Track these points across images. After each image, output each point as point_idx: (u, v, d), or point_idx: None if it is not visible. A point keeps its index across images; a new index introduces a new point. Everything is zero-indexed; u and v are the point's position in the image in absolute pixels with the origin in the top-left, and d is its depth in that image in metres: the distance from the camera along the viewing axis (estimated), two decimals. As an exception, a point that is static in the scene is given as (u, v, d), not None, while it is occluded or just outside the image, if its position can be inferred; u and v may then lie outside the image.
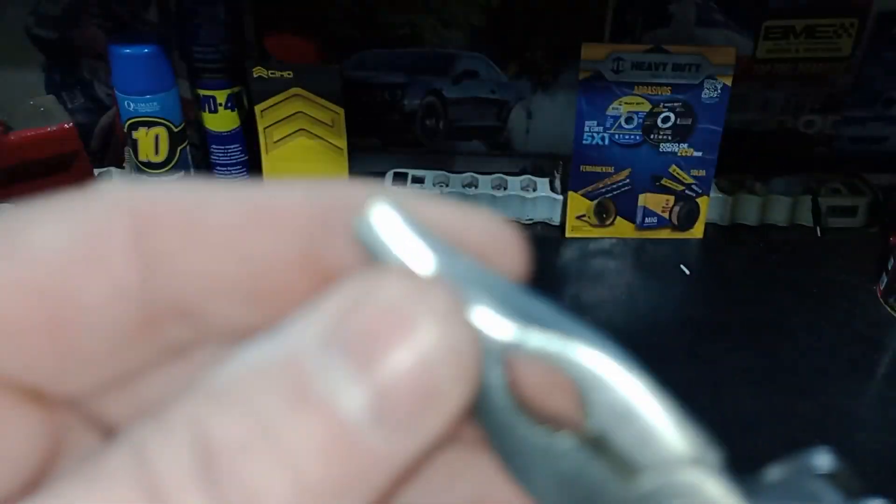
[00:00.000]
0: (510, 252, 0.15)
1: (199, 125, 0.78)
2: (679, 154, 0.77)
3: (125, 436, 0.12)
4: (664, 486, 0.14)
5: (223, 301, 0.14)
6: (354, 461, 0.12)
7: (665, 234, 0.80)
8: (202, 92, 0.76)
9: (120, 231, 0.13)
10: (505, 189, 0.82)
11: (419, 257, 0.13)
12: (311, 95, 0.75)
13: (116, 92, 0.73)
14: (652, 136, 0.76)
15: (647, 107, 0.75)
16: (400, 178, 0.82)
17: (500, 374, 0.14)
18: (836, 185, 0.83)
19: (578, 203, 0.79)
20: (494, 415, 0.14)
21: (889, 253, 0.71)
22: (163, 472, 0.11)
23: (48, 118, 0.81)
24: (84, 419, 0.15)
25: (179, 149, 0.76)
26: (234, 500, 0.11)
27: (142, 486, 0.11)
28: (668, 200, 0.79)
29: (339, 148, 0.79)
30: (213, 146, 0.79)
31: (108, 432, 0.15)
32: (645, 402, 0.13)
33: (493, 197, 0.80)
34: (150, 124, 0.73)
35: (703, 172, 0.78)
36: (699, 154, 0.77)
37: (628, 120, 0.76)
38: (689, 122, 0.76)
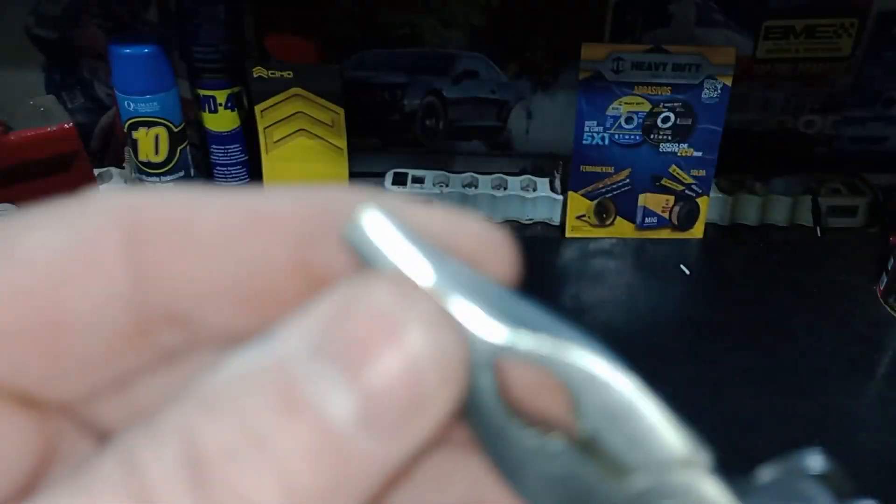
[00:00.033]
0: (500, 256, 0.15)
1: (199, 125, 0.78)
2: (679, 154, 0.77)
3: (115, 443, 0.12)
4: (656, 487, 0.14)
5: (215, 307, 0.14)
6: (343, 467, 0.12)
7: (665, 234, 0.80)
8: (202, 92, 0.76)
9: (112, 237, 0.13)
10: (505, 189, 0.82)
11: (409, 262, 0.13)
12: (311, 95, 0.75)
13: (116, 92, 0.73)
14: (652, 137, 0.76)
15: (647, 107, 0.75)
16: (400, 178, 0.82)
17: (490, 377, 0.14)
18: (836, 185, 0.83)
19: (578, 203, 0.79)
20: (485, 418, 0.14)
21: (889, 253, 0.71)
22: (153, 479, 0.11)
23: (48, 118, 0.81)
24: (78, 424, 0.15)
25: (179, 149, 0.76)
26: None
27: (132, 494, 0.11)
28: (668, 200, 0.79)
29: (339, 148, 0.79)
30: (213, 146, 0.79)
31: (102, 437, 0.15)
32: (636, 403, 0.13)
33: (493, 197, 0.80)
34: (150, 124, 0.73)
35: (703, 172, 0.78)
36: (699, 154, 0.77)
37: (628, 120, 0.76)
38: (689, 122, 0.76)
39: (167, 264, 0.14)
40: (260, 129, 0.77)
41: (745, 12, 0.79)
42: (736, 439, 0.57)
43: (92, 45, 0.80)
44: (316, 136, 0.78)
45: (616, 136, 0.76)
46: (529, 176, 0.83)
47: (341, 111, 0.76)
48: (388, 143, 0.86)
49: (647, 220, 0.80)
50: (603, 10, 0.79)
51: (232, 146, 0.79)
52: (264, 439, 0.12)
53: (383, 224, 0.14)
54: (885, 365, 0.65)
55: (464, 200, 0.80)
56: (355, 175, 0.82)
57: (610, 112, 0.75)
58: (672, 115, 0.75)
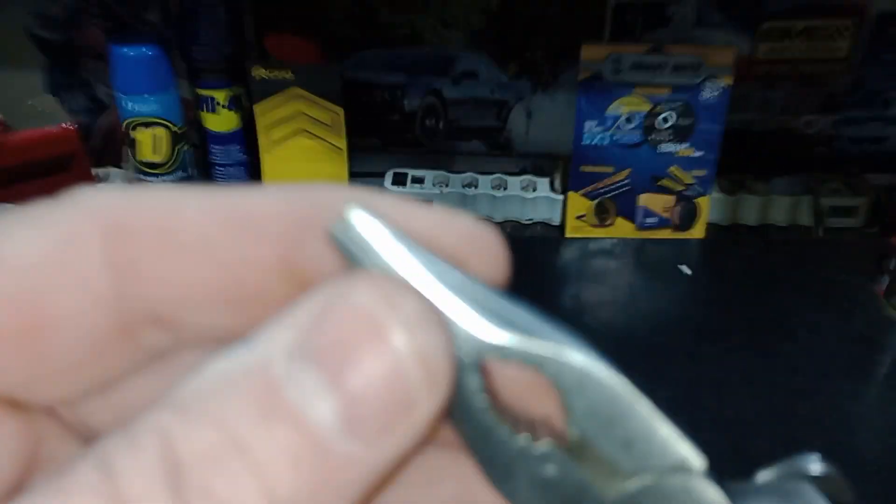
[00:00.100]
0: (490, 256, 0.15)
1: (199, 125, 0.78)
2: (679, 154, 0.77)
3: (92, 450, 0.12)
4: (650, 491, 0.13)
5: (200, 308, 0.14)
6: (326, 472, 0.12)
7: (665, 234, 0.80)
8: (202, 92, 0.76)
9: (92, 239, 0.13)
10: (505, 189, 0.82)
11: (394, 262, 0.13)
12: (311, 95, 0.75)
13: (116, 92, 0.73)
14: (652, 137, 0.76)
15: (646, 107, 0.75)
16: (400, 178, 0.82)
17: (477, 378, 0.13)
18: (836, 185, 0.83)
19: (578, 203, 0.79)
20: (472, 420, 0.14)
21: (889, 253, 0.71)
22: (130, 486, 0.11)
23: (48, 118, 0.81)
24: (64, 426, 0.15)
25: (179, 149, 0.76)
26: None
27: (108, 500, 0.11)
28: (668, 200, 0.79)
29: (338, 148, 0.79)
30: (213, 146, 0.79)
31: (89, 439, 0.15)
32: (628, 405, 0.13)
33: (493, 197, 0.80)
34: (149, 124, 0.73)
35: (703, 172, 0.78)
36: (699, 154, 0.77)
37: (628, 120, 0.76)
38: (689, 122, 0.76)
39: (149, 265, 0.13)
40: (260, 129, 0.77)
41: (745, 13, 0.79)
42: (736, 440, 0.57)
43: (92, 45, 0.80)
44: (316, 136, 0.78)
45: (616, 137, 0.76)
46: (529, 176, 0.83)
47: (341, 111, 0.76)
48: (388, 143, 0.86)
49: (647, 220, 0.80)
50: (603, 11, 0.79)
51: (232, 146, 0.79)
52: (244, 444, 0.11)
53: (370, 224, 0.13)
54: (885, 365, 0.65)
55: (464, 200, 0.80)
56: (355, 175, 0.82)
57: (610, 112, 0.75)
58: (672, 116, 0.75)
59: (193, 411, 0.12)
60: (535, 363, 0.13)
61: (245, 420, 0.12)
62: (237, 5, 0.75)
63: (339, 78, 0.75)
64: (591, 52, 0.73)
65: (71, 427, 0.15)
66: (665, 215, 0.79)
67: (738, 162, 0.83)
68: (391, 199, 0.14)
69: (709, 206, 0.79)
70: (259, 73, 0.74)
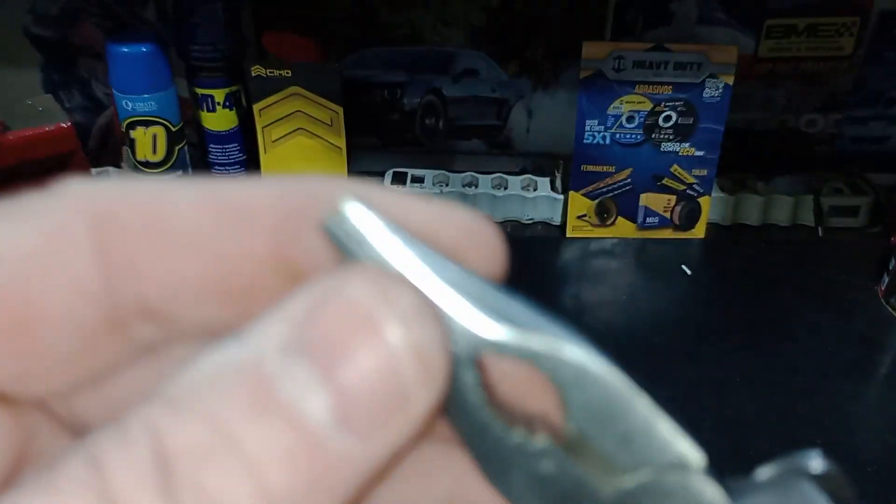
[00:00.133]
0: (487, 249, 0.14)
1: (198, 124, 0.78)
2: (680, 153, 0.77)
3: (82, 444, 0.12)
4: (648, 488, 0.13)
5: (191, 301, 0.14)
6: (319, 468, 0.12)
7: (666, 233, 0.80)
8: (200, 91, 0.76)
9: (81, 231, 0.13)
10: (505, 189, 0.81)
11: (390, 256, 0.13)
12: (310, 94, 0.75)
13: (114, 91, 0.72)
14: (653, 136, 0.76)
15: (648, 106, 0.75)
16: (399, 177, 0.82)
17: (472, 373, 0.13)
18: (837, 185, 0.83)
19: (579, 203, 0.78)
20: (467, 415, 0.14)
21: (890, 253, 0.71)
22: (119, 482, 0.11)
23: (46, 118, 0.81)
24: (55, 420, 0.15)
25: (177, 148, 0.76)
26: None
27: (97, 498, 0.11)
28: (669, 200, 0.79)
29: (338, 147, 0.78)
30: (212, 145, 0.79)
31: (80, 433, 0.15)
32: (627, 401, 0.13)
33: (494, 196, 0.80)
34: (147, 123, 0.73)
35: (704, 172, 0.77)
36: (701, 153, 0.77)
37: (629, 119, 0.75)
38: (690, 121, 0.75)
39: (139, 257, 0.13)
40: (258, 128, 0.77)
41: (747, 11, 0.79)
42: (736, 439, 0.56)
43: (90, 44, 0.79)
44: (315, 135, 0.78)
45: (617, 136, 0.76)
46: (530, 175, 0.83)
47: (340, 110, 0.76)
48: (388, 142, 0.86)
49: (648, 219, 0.79)
50: (604, 9, 0.79)
51: (230, 145, 0.79)
52: (235, 440, 0.11)
53: (365, 216, 0.13)
54: (885, 365, 0.65)
55: (464, 200, 0.80)
56: (355, 174, 0.82)
57: (611, 111, 0.75)
58: (673, 115, 0.75)
59: (184, 406, 0.12)
60: (531, 358, 0.13)
61: (237, 415, 0.11)
62: (235, 3, 0.75)
63: (339, 77, 0.75)
64: (592, 51, 0.73)
65: (62, 421, 0.15)
66: (666, 215, 0.79)
67: (739, 161, 0.82)
68: (387, 191, 0.14)
69: (710, 206, 0.79)
70: (258, 71, 0.73)
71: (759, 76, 0.82)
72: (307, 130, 0.77)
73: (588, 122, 0.75)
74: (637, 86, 0.74)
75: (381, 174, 0.82)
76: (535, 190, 0.81)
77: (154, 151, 0.75)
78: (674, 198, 0.78)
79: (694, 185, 0.78)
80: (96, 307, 0.13)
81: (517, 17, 0.80)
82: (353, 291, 0.12)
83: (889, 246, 0.73)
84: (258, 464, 0.11)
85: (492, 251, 0.14)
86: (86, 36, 0.79)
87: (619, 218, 0.79)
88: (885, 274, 0.71)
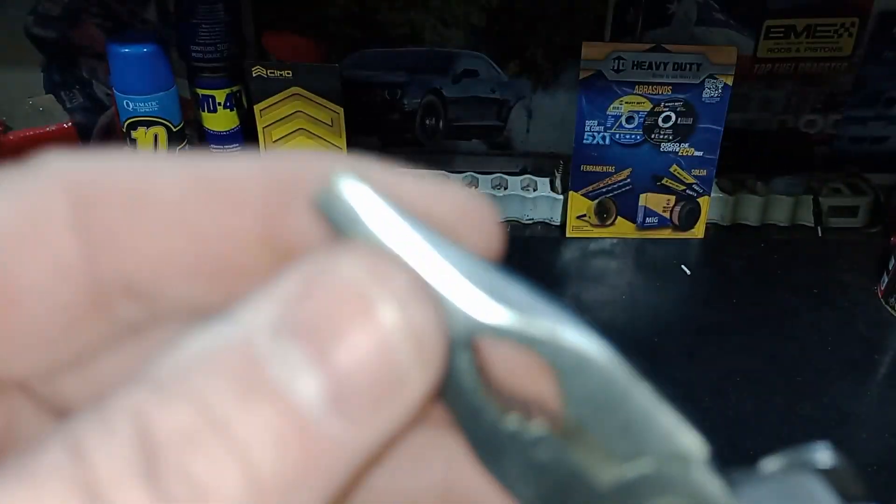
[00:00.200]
0: (483, 228, 0.14)
1: (199, 125, 0.78)
2: (680, 154, 0.77)
3: (63, 429, 0.11)
4: (648, 479, 0.13)
5: (176, 280, 0.13)
6: (311, 453, 0.11)
7: (666, 234, 0.80)
8: (201, 91, 0.76)
9: (60, 207, 0.13)
10: (505, 189, 0.81)
11: (384, 234, 0.12)
12: (311, 95, 0.75)
13: (115, 91, 0.72)
14: (653, 136, 0.76)
15: (647, 106, 0.75)
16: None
17: (468, 357, 0.13)
18: (837, 185, 0.83)
19: (579, 203, 0.78)
20: (462, 400, 0.13)
21: (890, 253, 0.71)
22: (101, 469, 0.10)
23: (47, 118, 0.81)
24: (36, 402, 0.14)
25: (178, 148, 0.76)
26: (179, 498, 0.10)
27: (79, 485, 0.10)
28: (669, 200, 0.79)
29: (338, 148, 0.78)
30: (213, 146, 0.79)
31: (63, 414, 0.14)
32: (629, 389, 0.13)
33: (493, 196, 0.80)
34: (148, 124, 0.73)
35: (704, 172, 0.78)
36: (700, 154, 0.77)
37: (629, 119, 0.75)
38: (690, 121, 0.75)
39: (121, 234, 0.13)
40: (259, 128, 0.77)
41: (746, 11, 0.79)
42: (736, 439, 0.57)
43: (91, 44, 0.79)
44: (315, 135, 0.78)
45: (617, 136, 0.76)
46: (530, 175, 0.83)
47: (341, 110, 0.76)
48: (388, 142, 0.86)
49: (647, 219, 0.79)
50: (603, 10, 0.79)
51: (231, 146, 0.79)
52: (224, 424, 0.11)
53: (359, 192, 0.13)
54: (885, 365, 0.65)
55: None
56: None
57: (611, 111, 0.75)
58: (673, 115, 0.75)
59: (170, 389, 0.11)
60: (530, 344, 0.13)
61: (225, 398, 0.11)
62: (236, 4, 0.75)
63: (339, 77, 0.75)
64: (591, 51, 0.73)
65: (45, 402, 0.14)
66: (665, 215, 0.79)
67: (738, 162, 0.82)
68: (379, 167, 0.13)
69: (709, 206, 0.79)
70: (258, 72, 0.74)
71: (759, 77, 0.82)
72: (308, 131, 0.77)
73: (588, 122, 0.75)
74: (637, 86, 0.74)
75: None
76: (534, 190, 0.81)
77: (155, 152, 0.75)
78: (673, 198, 0.79)
79: (693, 186, 0.78)
80: (77, 285, 0.13)
81: (517, 18, 0.80)
82: (346, 270, 0.12)
83: (888, 246, 0.73)
84: (247, 449, 0.11)
85: (488, 230, 0.14)
86: (87, 36, 0.79)
87: (619, 218, 0.79)
88: (885, 274, 0.71)
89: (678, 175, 0.78)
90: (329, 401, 0.11)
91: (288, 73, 0.74)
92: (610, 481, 0.13)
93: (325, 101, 0.75)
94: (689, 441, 0.13)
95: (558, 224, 0.81)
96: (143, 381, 0.11)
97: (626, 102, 0.75)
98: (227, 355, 0.11)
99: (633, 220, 0.79)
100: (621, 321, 0.70)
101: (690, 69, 0.73)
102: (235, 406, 0.11)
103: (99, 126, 0.84)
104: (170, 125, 0.74)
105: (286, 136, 0.78)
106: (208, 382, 0.11)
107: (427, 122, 0.85)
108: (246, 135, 0.79)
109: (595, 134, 0.76)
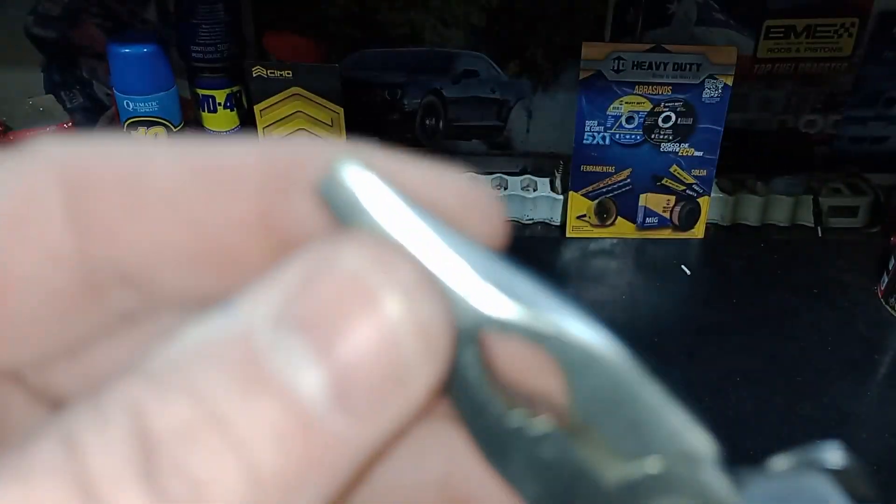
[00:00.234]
0: (487, 216, 0.13)
1: (199, 125, 0.78)
2: (680, 154, 0.77)
3: (56, 422, 0.11)
4: (654, 479, 0.13)
5: (171, 268, 0.13)
6: (313, 449, 0.11)
7: (666, 234, 0.80)
8: (201, 91, 0.76)
9: (52, 192, 0.12)
10: (505, 189, 0.81)
11: (389, 223, 0.12)
12: (311, 95, 0.75)
13: (115, 91, 0.72)
14: (653, 136, 0.76)
15: (647, 106, 0.75)
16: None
17: (474, 350, 0.12)
18: (837, 185, 0.83)
19: (579, 203, 0.79)
20: (467, 395, 0.13)
21: (890, 253, 0.71)
22: (96, 465, 0.10)
23: (47, 118, 0.81)
24: (29, 392, 0.14)
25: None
26: (177, 495, 0.10)
27: (73, 483, 0.10)
28: (669, 200, 0.79)
29: (338, 147, 0.78)
30: (213, 146, 0.79)
31: (57, 405, 0.14)
32: (637, 387, 0.12)
33: (493, 197, 0.80)
34: (149, 124, 0.73)
35: (704, 172, 0.78)
36: (700, 154, 0.77)
37: (629, 119, 0.75)
38: (689, 121, 0.75)
39: (114, 220, 0.12)
40: (259, 128, 0.77)
41: (746, 12, 0.79)
42: (736, 439, 0.57)
43: (91, 44, 0.79)
44: (315, 135, 0.78)
45: (617, 136, 0.76)
46: (530, 176, 0.83)
47: (341, 111, 0.76)
48: (388, 143, 0.86)
49: (647, 220, 0.79)
50: (603, 10, 0.79)
51: (231, 146, 0.79)
52: (223, 419, 0.10)
53: (363, 178, 0.12)
54: (885, 365, 0.65)
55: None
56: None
57: (611, 112, 0.75)
58: (673, 115, 0.75)
59: (167, 382, 0.11)
60: (537, 340, 0.12)
61: (225, 392, 0.11)
62: (236, 4, 0.75)
63: (339, 77, 0.75)
64: (591, 51, 0.73)
65: (38, 392, 0.14)
66: (665, 215, 0.79)
67: (738, 162, 0.82)
68: (380, 152, 0.13)
69: (709, 206, 0.79)
70: (259, 72, 0.74)
71: (759, 77, 0.82)
72: (308, 131, 0.77)
73: (588, 122, 0.75)
74: (636, 86, 0.74)
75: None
76: (535, 190, 0.81)
77: (155, 152, 0.75)
78: (673, 198, 0.79)
79: (693, 186, 0.78)
80: (70, 272, 0.13)
81: (517, 18, 0.80)
82: (350, 261, 0.11)
83: (888, 246, 0.73)
84: (247, 445, 0.10)
85: (492, 218, 0.14)
86: (87, 36, 0.79)
87: (619, 218, 0.79)
88: (885, 274, 0.71)
89: (678, 175, 0.78)
90: (332, 396, 0.11)
91: (288, 74, 0.74)
92: (616, 480, 0.13)
93: (325, 101, 0.75)
94: (699, 441, 0.13)
95: (558, 224, 0.81)
96: (140, 373, 0.11)
97: (626, 102, 0.75)
98: (227, 348, 0.11)
99: (633, 221, 0.80)
100: (621, 321, 0.70)
101: (690, 69, 0.73)
102: (235, 401, 0.11)
103: (99, 126, 0.84)
104: (170, 125, 0.74)
105: (286, 136, 0.78)
106: (207, 375, 0.11)
107: (427, 122, 0.85)
108: (246, 135, 0.79)
109: (595, 134, 0.76)
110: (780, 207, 0.81)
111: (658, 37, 0.79)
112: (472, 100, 0.84)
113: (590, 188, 0.78)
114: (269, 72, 0.74)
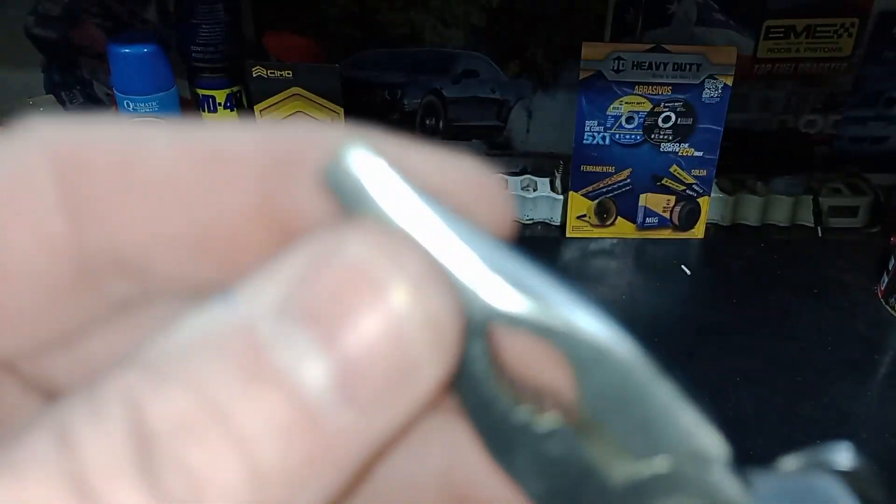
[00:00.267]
0: (495, 205, 0.13)
1: (199, 125, 0.78)
2: (680, 154, 0.77)
3: (51, 414, 0.10)
4: (663, 478, 0.12)
5: (169, 255, 0.12)
6: (317, 444, 0.10)
7: (666, 234, 0.80)
8: (201, 91, 0.76)
9: (45, 175, 0.12)
10: (505, 189, 0.81)
11: (396, 210, 0.12)
12: (311, 95, 0.75)
13: (115, 92, 0.72)
14: (653, 136, 0.76)
15: (647, 106, 0.75)
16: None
17: (482, 344, 0.12)
18: (836, 185, 0.83)
19: (579, 203, 0.79)
20: (473, 388, 0.13)
21: (890, 253, 0.71)
22: (92, 460, 0.10)
23: (47, 118, 0.81)
24: (24, 382, 0.14)
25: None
26: (175, 491, 0.10)
27: (67, 477, 0.10)
28: (668, 200, 0.79)
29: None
30: (213, 146, 0.79)
31: (52, 395, 0.14)
32: (646, 387, 0.12)
33: (494, 197, 0.80)
34: (149, 124, 0.73)
35: (703, 172, 0.78)
36: (700, 154, 0.77)
37: (629, 120, 0.75)
38: (689, 121, 0.75)
39: (109, 205, 0.12)
40: (259, 128, 0.77)
41: (746, 12, 0.79)
42: (736, 440, 0.56)
43: (91, 44, 0.79)
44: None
45: (617, 136, 0.76)
46: (530, 176, 0.83)
47: (341, 111, 0.76)
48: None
49: (647, 220, 0.79)
50: (603, 10, 0.79)
51: (231, 146, 0.79)
52: (224, 412, 0.10)
53: (370, 164, 0.12)
54: (885, 365, 0.65)
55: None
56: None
57: (611, 112, 0.75)
58: (673, 115, 0.75)
59: (165, 373, 0.10)
60: (546, 334, 0.12)
61: (225, 384, 0.10)
62: (236, 4, 0.75)
63: (339, 77, 0.75)
64: (591, 51, 0.73)
65: (33, 382, 0.14)
66: (665, 215, 0.79)
67: (738, 162, 0.82)
68: (388, 137, 0.12)
69: (709, 206, 0.79)
70: (259, 72, 0.74)
71: (759, 77, 0.82)
72: (308, 131, 0.77)
73: (588, 122, 0.75)
74: (636, 86, 0.74)
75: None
76: (535, 190, 0.81)
77: (155, 152, 0.75)
78: (673, 198, 0.79)
79: (693, 186, 0.78)
80: (64, 259, 0.12)
81: (517, 18, 0.80)
82: (356, 250, 0.11)
83: (888, 246, 0.73)
84: (249, 440, 0.10)
85: (501, 207, 0.13)
86: (87, 36, 0.79)
87: (619, 218, 0.79)
88: (885, 274, 0.71)
89: (678, 175, 0.78)
90: (337, 389, 0.10)
91: (288, 74, 0.74)
92: (623, 478, 0.13)
93: (325, 101, 0.75)
94: (709, 441, 0.12)
95: (558, 224, 0.81)
96: (138, 365, 0.11)
97: (626, 102, 0.75)
98: (228, 339, 0.11)
99: (633, 221, 0.80)
100: (621, 321, 0.70)
101: (690, 69, 0.73)
102: (236, 393, 0.10)
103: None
104: (170, 125, 0.74)
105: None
106: (207, 367, 0.10)
107: (427, 122, 0.85)
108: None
109: (595, 134, 0.76)
110: (780, 207, 0.81)
111: (658, 37, 0.79)
112: (472, 100, 0.84)
113: (590, 188, 0.78)
114: (269, 72, 0.74)
